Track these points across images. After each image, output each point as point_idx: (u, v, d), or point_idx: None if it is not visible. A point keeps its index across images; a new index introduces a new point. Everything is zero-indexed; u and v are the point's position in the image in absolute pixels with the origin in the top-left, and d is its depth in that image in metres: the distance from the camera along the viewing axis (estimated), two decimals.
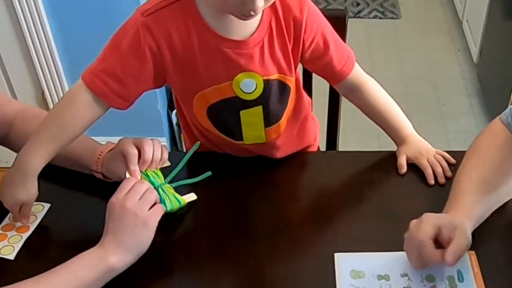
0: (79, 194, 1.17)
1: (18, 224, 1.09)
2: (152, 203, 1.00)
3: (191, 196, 1.11)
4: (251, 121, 1.17)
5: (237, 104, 1.14)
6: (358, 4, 3.38)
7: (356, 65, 1.20)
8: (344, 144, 2.37)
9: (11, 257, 1.04)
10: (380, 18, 3.29)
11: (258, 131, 1.19)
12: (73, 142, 1.09)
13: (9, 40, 2.03)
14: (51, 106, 2.17)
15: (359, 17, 3.28)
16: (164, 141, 2.29)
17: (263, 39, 1.08)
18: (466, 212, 1.00)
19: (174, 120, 2.35)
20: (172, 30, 1.03)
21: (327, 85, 1.47)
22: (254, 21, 1.06)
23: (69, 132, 1.06)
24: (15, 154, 1.21)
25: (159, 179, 1.07)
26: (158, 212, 1.00)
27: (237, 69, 1.09)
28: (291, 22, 1.08)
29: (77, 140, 1.09)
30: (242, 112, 1.15)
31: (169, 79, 1.11)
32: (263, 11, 1.05)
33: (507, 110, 1.10)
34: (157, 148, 1.07)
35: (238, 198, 1.16)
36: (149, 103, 2.19)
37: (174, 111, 2.33)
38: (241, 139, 1.21)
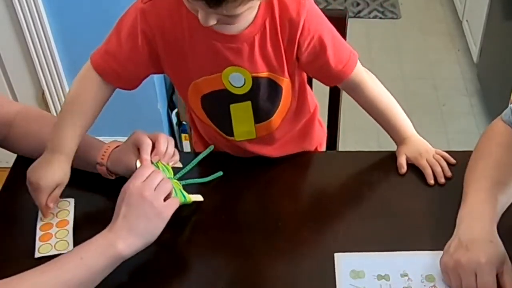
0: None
1: (55, 220, 1.09)
2: (167, 193, 0.99)
3: (198, 197, 1.11)
4: (241, 116, 1.19)
5: (227, 97, 1.15)
6: (358, 4, 3.38)
7: (358, 65, 1.18)
8: (344, 144, 2.37)
9: (70, 249, 1.05)
10: (380, 18, 3.29)
11: (248, 126, 1.21)
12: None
13: (9, 40, 2.04)
14: (51, 106, 2.17)
15: (359, 17, 3.28)
16: None
17: (255, 36, 1.07)
18: (491, 216, 1.00)
19: (174, 120, 2.35)
20: (165, 18, 1.06)
21: None
22: (247, 19, 1.05)
23: (89, 111, 1.10)
24: (15, 155, 1.22)
25: (169, 173, 1.07)
26: (173, 204, 0.99)
27: (226, 62, 1.09)
28: (287, 23, 1.07)
29: (82, 137, 1.12)
30: (232, 106, 1.17)
31: (164, 66, 1.14)
32: (258, 8, 1.05)
33: (508, 110, 1.10)
34: (170, 144, 1.10)
35: (237, 197, 1.16)
36: (149, 103, 2.19)
37: (174, 111, 2.33)
38: (232, 135, 1.22)
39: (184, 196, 1.06)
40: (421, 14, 3.32)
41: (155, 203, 0.96)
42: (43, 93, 2.17)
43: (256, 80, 1.12)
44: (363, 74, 1.20)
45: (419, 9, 3.36)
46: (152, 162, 1.06)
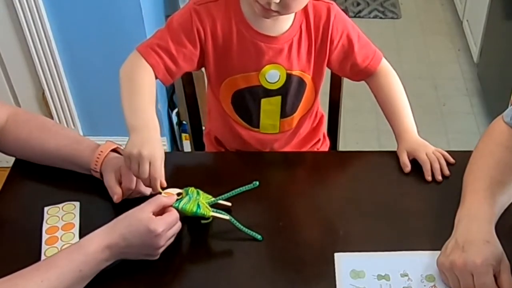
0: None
1: (60, 223, 1.09)
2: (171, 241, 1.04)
3: (223, 214, 1.08)
4: (270, 110, 1.32)
5: (260, 92, 1.29)
6: (358, 4, 3.38)
7: (383, 60, 1.33)
8: (344, 144, 2.37)
9: None
10: (381, 18, 3.29)
11: (274, 120, 1.34)
12: (71, 143, 1.14)
13: (9, 40, 2.03)
14: (51, 106, 2.17)
15: (359, 17, 3.28)
16: (164, 140, 2.29)
17: (293, 38, 1.23)
18: (489, 216, 1.00)
19: (174, 120, 2.35)
20: (217, 20, 1.20)
21: (328, 84, 1.48)
22: (287, 22, 1.22)
23: (152, 93, 1.16)
24: None
25: (198, 196, 1.07)
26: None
27: (266, 60, 1.24)
28: (320, 26, 1.24)
29: (74, 141, 1.15)
30: (263, 100, 1.30)
31: (206, 63, 1.26)
32: (295, 14, 1.21)
33: (509, 111, 1.10)
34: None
35: (237, 197, 1.16)
36: None
37: (175, 111, 2.33)
38: (258, 126, 1.35)
39: (199, 206, 1.05)
40: (421, 14, 3.32)
41: (160, 251, 1.01)
42: (43, 93, 2.17)
43: (289, 77, 1.27)
44: (386, 69, 1.34)
45: (419, 9, 3.36)
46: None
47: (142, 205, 1.00)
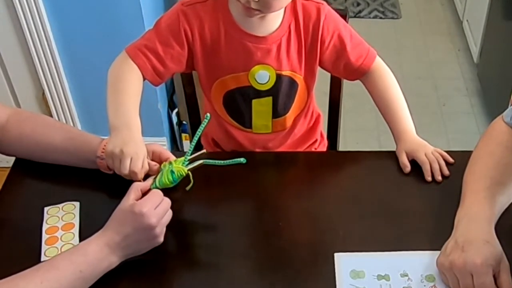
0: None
1: (60, 223, 1.09)
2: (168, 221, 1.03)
3: (196, 163, 1.09)
4: (261, 110, 1.31)
5: (251, 93, 1.28)
6: (358, 4, 3.38)
7: (377, 58, 1.31)
8: (344, 144, 2.37)
9: None
10: (381, 18, 3.29)
11: (266, 120, 1.33)
12: (76, 136, 1.16)
13: (9, 40, 2.03)
14: (51, 106, 2.17)
15: (359, 17, 3.28)
16: (164, 141, 2.29)
17: (281, 38, 1.23)
18: (489, 217, 1.00)
19: (174, 120, 2.35)
20: (204, 21, 1.21)
21: (327, 84, 1.48)
22: (275, 22, 1.22)
23: (137, 94, 1.18)
24: None
25: (168, 165, 1.09)
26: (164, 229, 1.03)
27: (254, 61, 1.23)
28: (310, 26, 1.23)
29: (79, 134, 1.17)
30: (254, 101, 1.30)
31: (196, 64, 1.26)
32: (284, 13, 1.21)
33: (509, 111, 1.10)
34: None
35: (238, 197, 1.16)
36: (149, 103, 2.19)
37: (175, 111, 2.33)
38: (250, 127, 1.34)
39: (173, 172, 1.06)
40: (421, 14, 3.32)
41: (158, 231, 1.00)
42: (43, 93, 2.17)
43: (279, 77, 1.26)
44: (381, 68, 1.32)
45: (419, 9, 3.36)
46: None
47: (123, 198, 1.01)
